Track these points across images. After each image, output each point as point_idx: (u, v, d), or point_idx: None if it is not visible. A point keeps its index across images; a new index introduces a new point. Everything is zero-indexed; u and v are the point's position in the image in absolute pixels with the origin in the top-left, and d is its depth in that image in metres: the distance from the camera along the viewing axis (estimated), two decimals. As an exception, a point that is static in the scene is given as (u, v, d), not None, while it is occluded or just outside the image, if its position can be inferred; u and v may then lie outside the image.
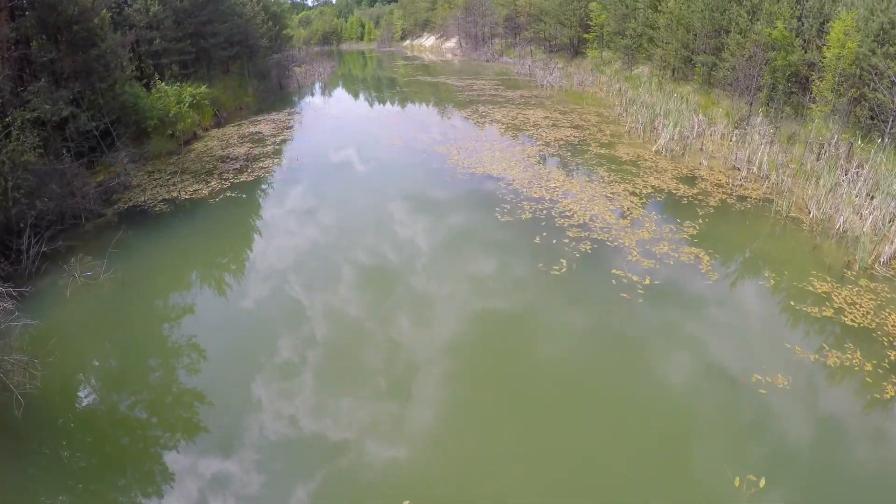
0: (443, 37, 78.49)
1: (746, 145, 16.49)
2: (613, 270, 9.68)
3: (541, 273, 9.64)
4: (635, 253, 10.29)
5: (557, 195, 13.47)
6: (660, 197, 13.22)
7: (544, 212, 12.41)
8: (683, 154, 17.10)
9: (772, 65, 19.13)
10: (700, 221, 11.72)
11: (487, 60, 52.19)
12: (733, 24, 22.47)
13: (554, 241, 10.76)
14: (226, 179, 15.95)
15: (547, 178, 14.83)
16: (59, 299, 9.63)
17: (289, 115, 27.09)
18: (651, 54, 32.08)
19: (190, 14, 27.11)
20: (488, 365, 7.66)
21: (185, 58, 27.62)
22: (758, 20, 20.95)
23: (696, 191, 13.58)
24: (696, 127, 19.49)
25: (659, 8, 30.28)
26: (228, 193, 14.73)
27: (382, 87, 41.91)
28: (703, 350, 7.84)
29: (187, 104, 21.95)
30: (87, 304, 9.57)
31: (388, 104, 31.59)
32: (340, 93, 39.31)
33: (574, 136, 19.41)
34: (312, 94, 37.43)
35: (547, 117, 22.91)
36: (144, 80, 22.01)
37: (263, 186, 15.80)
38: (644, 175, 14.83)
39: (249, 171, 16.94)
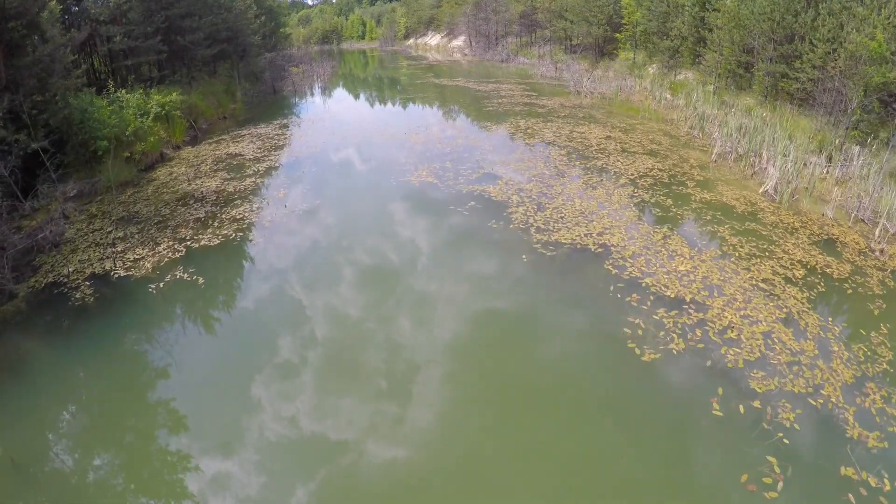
0: (449, 35, 74.21)
1: (867, 187, 12.37)
2: (843, 469, 5.42)
3: (749, 497, 5.13)
4: (851, 419, 6.05)
5: (698, 290, 8.70)
6: (820, 286, 8.90)
7: (698, 332, 7.66)
8: (798, 198, 12.82)
9: (865, 81, 15.04)
10: (882, 328, 7.78)
11: (503, 61, 47.81)
12: (810, 28, 18.14)
13: (742, 410, 6.18)
14: (181, 240, 11.26)
15: (667, 251, 10.02)
16: None
17: (280, 128, 22.46)
18: (699, 59, 27.88)
19: (164, 6, 22.58)
20: None
21: (158, 57, 23.13)
22: (846, 27, 16.68)
23: (848, 267, 9.52)
24: (792, 155, 15.29)
25: (712, 5, 26.03)
26: (179, 272, 9.83)
27: (391, 91, 37.35)
28: None
29: (152, 116, 17.50)
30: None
31: (401, 115, 26.27)
32: (342, 98, 34.59)
33: (659, 170, 14.82)
34: (310, 99, 32.85)
35: (608, 137, 18.46)
36: (96, 87, 17.55)
37: (230, 259, 10.69)
38: (779, 240, 10.48)
39: (216, 224, 12.15)
